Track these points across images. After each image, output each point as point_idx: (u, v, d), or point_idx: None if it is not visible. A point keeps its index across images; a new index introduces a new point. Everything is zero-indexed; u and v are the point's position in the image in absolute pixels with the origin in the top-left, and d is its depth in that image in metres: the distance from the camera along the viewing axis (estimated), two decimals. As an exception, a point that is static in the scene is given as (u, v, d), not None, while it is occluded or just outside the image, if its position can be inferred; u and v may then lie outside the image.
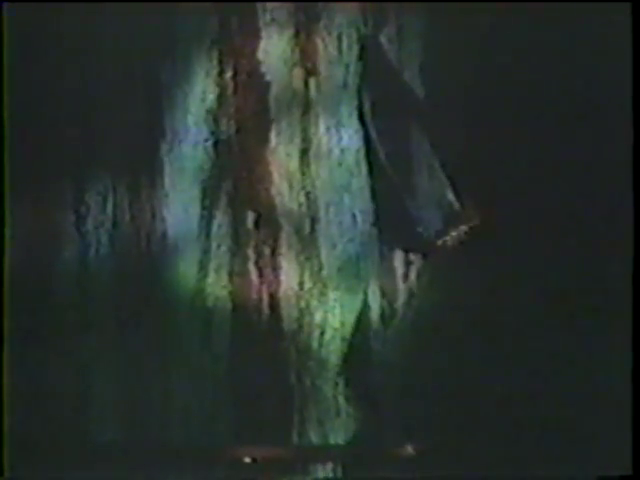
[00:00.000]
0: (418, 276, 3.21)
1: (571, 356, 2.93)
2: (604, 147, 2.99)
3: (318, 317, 3.17)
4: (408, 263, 3.23)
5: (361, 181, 3.21)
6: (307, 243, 3.17)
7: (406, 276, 3.22)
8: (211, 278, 3.15)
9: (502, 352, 3.03)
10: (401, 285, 3.21)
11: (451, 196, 3.20)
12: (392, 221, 3.20)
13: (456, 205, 3.20)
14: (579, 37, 2.97)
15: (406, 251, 3.22)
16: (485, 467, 2.92)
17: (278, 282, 3.16)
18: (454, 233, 3.19)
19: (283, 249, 3.17)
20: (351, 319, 3.19)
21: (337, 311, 3.18)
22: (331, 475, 3.05)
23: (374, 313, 3.20)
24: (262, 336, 3.15)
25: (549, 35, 3.01)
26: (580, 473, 2.76)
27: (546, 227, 3.11)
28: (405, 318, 3.18)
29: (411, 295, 3.21)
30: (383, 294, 3.21)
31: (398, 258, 3.23)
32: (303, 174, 3.18)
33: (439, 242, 3.19)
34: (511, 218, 3.12)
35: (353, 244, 3.19)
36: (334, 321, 3.18)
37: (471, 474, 2.93)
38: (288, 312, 3.16)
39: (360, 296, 3.19)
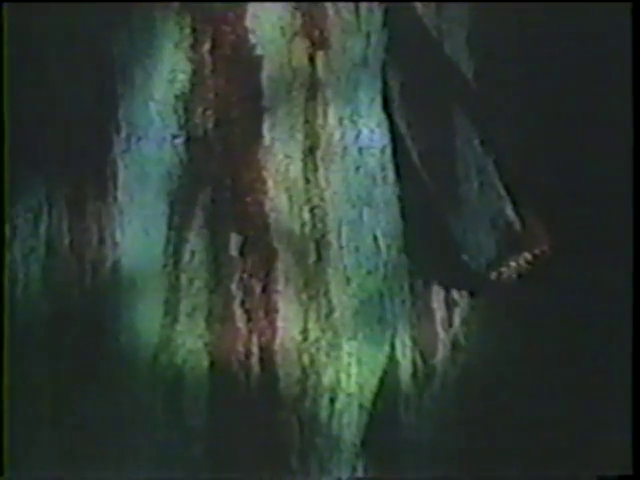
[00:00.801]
0: (464, 322, 2.93)
1: (571, 355, 2.84)
2: (602, 151, 2.90)
3: (328, 378, 2.90)
4: (450, 304, 2.95)
5: (386, 192, 2.95)
6: (313, 276, 2.91)
7: (448, 322, 2.94)
8: (182, 325, 2.90)
9: (580, 421, 2.81)
10: (441, 334, 2.94)
11: (510, 212, 2.92)
12: (428, 246, 2.94)
13: (517, 224, 2.91)
14: (578, 37, 2.91)
15: (447, 287, 2.94)
16: (484, 467, 2.84)
17: (273, 330, 2.90)
18: (513, 263, 2.89)
19: (280, 285, 2.91)
20: (373, 381, 2.91)
21: (353, 370, 2.91)
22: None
23: (404, 372, 2.92)
24: (251, 404, 2.89)
25: (548, 35, 2.92)
26: (580, 473, 2.76)
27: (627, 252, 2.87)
28: (446, 379, 2.90)
29: (455, 347, 2.93)
30: (416, 346, 2.93)
31: (437, 297, 2.96)
32: (307, 182, 2.93)
33: (493, 275, 2.90)
34: (588, 241, 2.88)
35: (375, 278, 2.93)
36: (349, 383, 2.91)
37: (470, 474, 2.84)
38: (287, 371, 2.89)
39: (385, 349, 2.92)
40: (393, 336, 2.94)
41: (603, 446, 2.75)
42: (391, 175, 2.96)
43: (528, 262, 2.90)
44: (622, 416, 2.73)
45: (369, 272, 2.95)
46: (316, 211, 2.94)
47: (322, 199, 2.94)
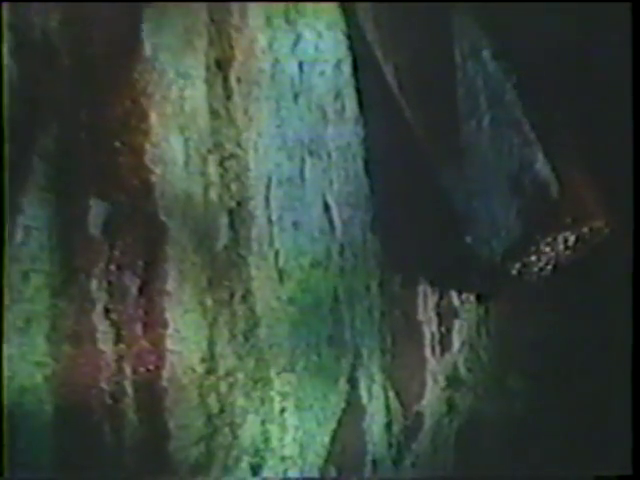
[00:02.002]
0: (467, 343, 2.50)
1: (570, 355, 2.59)
2: (601, 152, 2.57)
3: (248, 433, 2.36)
4: (446, 315, 2.50)
5: (343, 133, 2.50)
6: (223, 270, 2.39)
7: (441, 343, 2.48)
8: (11, 347, 2.31)
9: (580, 421, 2.58)
10: (431, 362, 2.47)
11: (541, 166, 2.36)
12: (410, 222, 2.49)
13: (553, 186, 2.35)
14: (578, 37, 2.64)
15: (441, 288, 2.51)
16: (484, 466, 2.56)
17: (158, 356, 2.34)
18: (547, 248, 2.35)
19: (169, 282, 2.35)
20: (321, 438, 2.40)
21: (290, 420, 2.39)
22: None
23: (373, 424, 2.44)
24: (124, 474, 2.32)
25: (547, 35, 2.66)
26: (579, 473, 2.62)
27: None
28: (439, 435, 2.46)
29: (452, 385, 2.48)
30: (392, 382, 2.44)
31: (424, 303, 2.49)
32: (215, 117, 2.46)
33: (514, 268, 2.36)
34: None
35: (324, 272, 2.45)
36: (284, 442, 2.40)
37: (470, 473, 2.56)
38: (182, 422, 2.33)
39: (340, 387, 2.41)
40: (354, 366, 2.46)
41: (603, 446, 2.65)
42: (351, 107, 2.52)
43: (570, 247, 2.38)
44: (622, 416, 2.57)
45: (315, 263, 2.48)
46: (229, 164, 2.45)
47: (239, 145, 2.46)
